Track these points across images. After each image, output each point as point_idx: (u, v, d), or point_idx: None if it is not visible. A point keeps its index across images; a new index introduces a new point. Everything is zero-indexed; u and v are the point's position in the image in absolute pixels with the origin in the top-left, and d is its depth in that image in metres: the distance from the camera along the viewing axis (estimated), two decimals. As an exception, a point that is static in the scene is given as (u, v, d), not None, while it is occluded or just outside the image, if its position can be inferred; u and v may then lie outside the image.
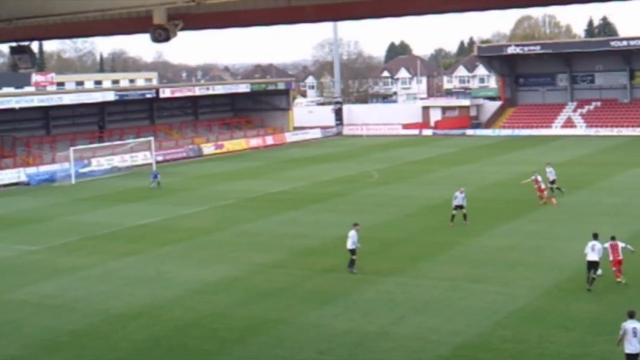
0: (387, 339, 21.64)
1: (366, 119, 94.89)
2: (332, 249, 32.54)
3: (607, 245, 25.77)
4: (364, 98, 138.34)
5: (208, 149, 75.86)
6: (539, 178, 41.17)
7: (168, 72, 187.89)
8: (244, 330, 22.77)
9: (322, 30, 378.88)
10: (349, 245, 28.85)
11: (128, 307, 25.53)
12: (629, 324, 17.93)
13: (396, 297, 25.42)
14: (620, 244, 25.96)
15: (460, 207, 36.29)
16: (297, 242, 34.13)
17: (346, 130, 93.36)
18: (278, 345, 21.65)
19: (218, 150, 75.98)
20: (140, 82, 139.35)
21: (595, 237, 25.96)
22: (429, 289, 26.05)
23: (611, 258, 25.48)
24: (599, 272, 25.49)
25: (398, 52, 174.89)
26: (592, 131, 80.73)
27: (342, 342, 21.52)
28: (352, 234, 28.98)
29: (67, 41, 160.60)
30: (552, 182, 42.51)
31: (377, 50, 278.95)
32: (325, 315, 23.82)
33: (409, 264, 29.57)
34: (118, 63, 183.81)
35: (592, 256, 25.44)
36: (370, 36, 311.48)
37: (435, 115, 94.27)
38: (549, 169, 43.08)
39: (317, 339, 21.84)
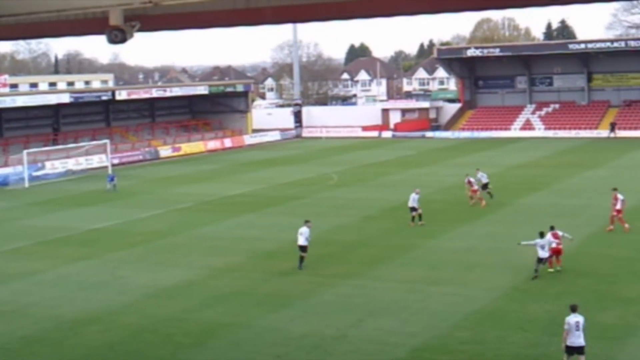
0: (345, 342, 21.52)
1: (325, 121, 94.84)
2: (290, 252, 32.24)
3: (549, 236, 26.90)
4: (324, 100, 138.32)
5: (165, 151, 75.13)
6: (472, 180, 41.57)
7: (124, 74, 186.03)
8: (200, 335, 22.52)
9: (281, 32, 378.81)
10: (301, 241, 29.00)
11: (81, 312, 25.08)
12: (572, 318, 18.39)
13: (354, 300, 25.30)
14: (559, 233, 27.26)
15: (413, 209, 36.32)
16: (254, 246, 33.85)
17: (305, 133, 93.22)
18: (234, 349, 21.48)
19: (175, 153, 75.29)
20: (96, 84, 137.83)
21: (542, 235, 27.29)
22: (387, 291, 25.96)
23: (553, 246, 26.87)
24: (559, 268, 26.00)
25: (358, 54, 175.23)
26: (551, 133, 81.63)
27: (300, 346, 21.37)
28: (304, 230, 29.17)
29: (21, 42, 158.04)
30: (485, 186, 42.62)
31: (336, 53, 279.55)
32: (282, 319, 23.63)
33: (367, 266, 29.47)
34: (73, 65, 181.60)
35: (543, 254, 26.85)
36: (330, 38, 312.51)
37: (395, 118, 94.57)
38: (479, 174, 43.01)
39: (274, 343, 21.68)
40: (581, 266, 28.25)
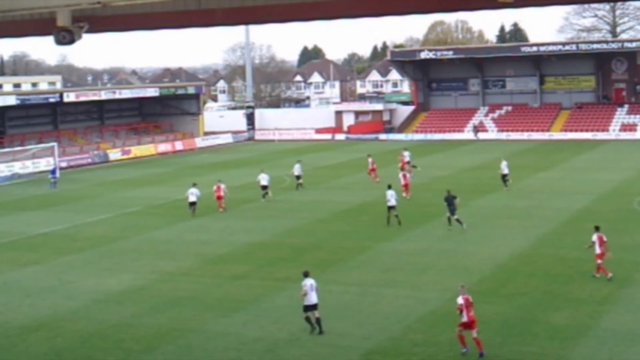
0: (298, 345, 21.35)
1: (278, 123, 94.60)
2: (242, 256, 32.06)
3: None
4: (277, 102, 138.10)
5: (114, 154, 74.12)
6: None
7: (73, 76, 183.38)
8: (151, 340, 22.21)
9: (233, 34, 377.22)
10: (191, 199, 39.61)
11: (28, 319, 24.59)
12: (307, 281, 21.88)
13: (307, 303, 25.07)
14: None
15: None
16: (205, 250, 33.45)
17: (258, 135, 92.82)
18: (186, 354, 21.22)
19: (125, 156, 74.31)
20: (44, 86, 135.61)
21: (390, 187, 36.82)
22: (340, 294, 25.81)
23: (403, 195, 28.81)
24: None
25: (311, 57, 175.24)
26: (503, 135, 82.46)
27: (252, 350, 21.17)
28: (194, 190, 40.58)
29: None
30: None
31: (289, 55, 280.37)
32: (234, 323, 23.38)
33: (319, 269, 29.15)
34: (20, 66, 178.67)
35: (392, 202, 36.23)
36: (283, 40, 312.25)
37: (349, 120, 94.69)
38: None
39: (225, 347, 21.45)
40: (533, 267, 28.46)
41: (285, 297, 25.74)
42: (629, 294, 24.92)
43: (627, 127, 79.83)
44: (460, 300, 20.21)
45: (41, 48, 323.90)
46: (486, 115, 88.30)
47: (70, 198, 50.15)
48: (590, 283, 26.17)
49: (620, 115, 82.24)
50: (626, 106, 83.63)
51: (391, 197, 36.91)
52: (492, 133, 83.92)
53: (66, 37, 16.75)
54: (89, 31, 17.49)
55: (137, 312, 24.87)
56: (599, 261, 26.61)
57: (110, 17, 17.58)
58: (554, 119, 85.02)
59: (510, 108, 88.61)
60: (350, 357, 20.46)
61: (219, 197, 42.58)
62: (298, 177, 49.11)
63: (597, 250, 26.60)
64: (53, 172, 51.86)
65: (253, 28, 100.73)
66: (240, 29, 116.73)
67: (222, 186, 42.97)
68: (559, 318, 22.68)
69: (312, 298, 21.82)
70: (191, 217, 41.05)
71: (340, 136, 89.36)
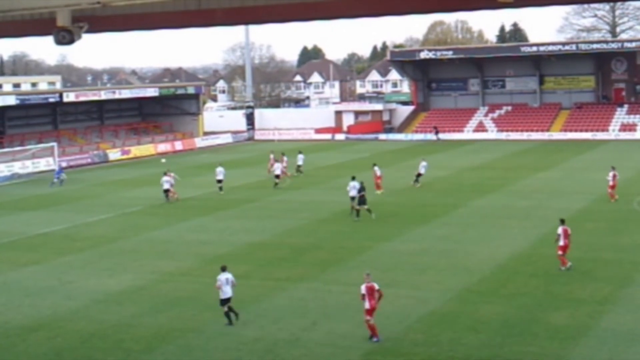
0: (298, 345, 21.34)
1: (278, 123, 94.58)
2: (242, 256, 32.03)
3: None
4: (276, 102, 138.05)
5: (114, 154, 74.09)
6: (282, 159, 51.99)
7: (72, 76, 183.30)
8: (151, 340, 22.18)
9: (233, 34, 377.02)
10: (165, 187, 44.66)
11: (28, 319, 24.54)
12: (223, 276, 22.86)
13: (307, 303, 25.10)
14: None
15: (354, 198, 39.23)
16: (205, 249, 33.43)
17: (258, 135, 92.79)
18: (186, 354, 21.20)
19: (125, 156, 74.27)
20: (43, 86, 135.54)
21: (354, 178, 39.19)
22: (340, 294, 25.79)
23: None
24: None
25: (311, 57, 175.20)
26: (503, 135, 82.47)
27: (252, 350, 21.15)
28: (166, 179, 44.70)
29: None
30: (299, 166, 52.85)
31: (289, 55, 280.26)
32: (234, 323, 23.28)
33: (320, 269, 29.28)
34: (19, 66, 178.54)
35: (353, 192, 37.88)
36: (282, 40, 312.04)
37: (348, 120, 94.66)
38: (299, 155, 54.30)
39: (226, 348, 21.43)
40: (533, 267, 28.44)
41: (285, 297, 25.74)
42: (629, 294, 24.92)
43: (627, 127, 79.84)
44: (363, 289, 21.21)
45: (41, 48, 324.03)
46: (486, 115, 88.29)
47: (70, 198, 50.11)
48: (590, 283, 26.17)
49: (620, 115, 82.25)
50: (626, 106, 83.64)
51: (352, 189, 39.22)
52: (491, 133, 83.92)
53: (66, 37, 16.74)
54: (89, 31, 17.47)
55: (137, 312, 24.84)
56: (560, 252, 27.52)
57: (110, 17, 17.56)
58: (554, 119, 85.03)
59: (510, 108, 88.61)
60: (351, 357, 20.44)
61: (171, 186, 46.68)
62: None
63: (561, 242, 27.50)
64: (59, 172, 52.43)
65: (253, 28, 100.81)
66: (240, 29, 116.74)
67: (172, 175, 47.33)
68: (559, 318, 22.67)
69: (227, 292, 22.77)
70: (190, 217, 41.06)
71: (340, 136, 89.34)
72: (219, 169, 49.69)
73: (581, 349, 20.40)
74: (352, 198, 39.34)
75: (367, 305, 21.14)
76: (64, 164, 64.67)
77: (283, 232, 36.59)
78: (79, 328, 23.47)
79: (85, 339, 22.55)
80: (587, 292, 25.21)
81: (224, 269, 23.16)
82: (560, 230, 27.67)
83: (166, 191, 45.89)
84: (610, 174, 41.80)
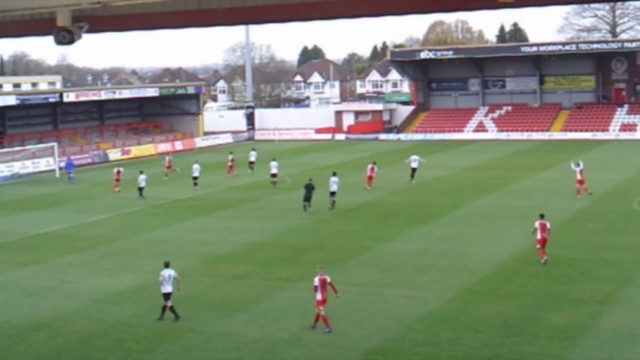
0: (298, 345, 21.34)
1: (278, 123, 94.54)
2: (243, 256, 32.04)
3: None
4: (276, 102, 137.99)
5: (114, 154, 74.05)
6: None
7: (72, 76, 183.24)
8: (151, 340, 22.18)
9: (233, 34, 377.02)
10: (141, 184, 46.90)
11: (28, 318, 24.55)
12: (166, 272, 23.54)
13: (307, 303, 24.98)
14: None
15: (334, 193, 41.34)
16: (205, 249, 33.42)
17: (258, 135, 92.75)
18: (186, 354, 21.19)
19: (125, 156, 74.22)
20: (43, 86, 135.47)
21: (334, 174, 41.67)
22: (341, 294, 25.62)
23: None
24: None
25: (311, 57, 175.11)
26: (503, 135, 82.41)
27: (252, 349, 21.15)
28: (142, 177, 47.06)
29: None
30: (274, 175, 50.59)
31: (289, 55, 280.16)
32: (234, 323, 23.36)
33: (320, 269, 29.22)
34: (20, 66, 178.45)
35: (334, 187, 41.11)
36: (283, 40, 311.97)
37: (348, 120, 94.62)
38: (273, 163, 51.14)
39: (226, 347, 21.42)
40: (533, 267, 28.44)
41: (285, 297, 25.74)
42: (630, 294, 24.91)
43: (627, 127, 79.82)
44: (316, 281, 22.17)
45: (41, 48, 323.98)
46: (486, 115, 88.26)
47: (70, 198, 50.13)
48: (590, 283, 26.17)
49: (620, 115, 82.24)
50: (626, 106, 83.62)
51: (333, 184, 41.37)
52: (492, 133, 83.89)
53: (66, 37, 16.73)
54: (89, 31, 17.46)
55: (137, 312, 24.83)
56: (538, 246, 28.47)
57: (110, 17, 17.55)
58: (554, 119, 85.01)
59: (510, 108, 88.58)
60: (351, 357, 20.44)
61: (117, 180, 50.56)
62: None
63: (538, 236, 28.47)
64: (69, 166, 53.91)
65: (253, 28, 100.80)
66: (240, 29, 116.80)
67: (122, 170, 51.46)
68: (559, 318, 22.67)
69: (167, 288, 23.48)
70: (190, 217, 41.07)
71: (340, 136, 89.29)
72: (195, 166, 51.40)
73: (581, 349, 20.40)
74: (332, 193, 41.37)
75: (319, 296, 22.05)
76: (63, 164, 64.65)
77: (283, 232, 36.58)
78: (79, 328, 23.48)
79: (86, 338, 22.55)
80: (587, 292, 25.21)
81: (167, 265, 23.86)
82: (537, 224, 28.70)
83: (141, 189, 47.33)
84: (577, 169, 42.73)
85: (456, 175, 54.53)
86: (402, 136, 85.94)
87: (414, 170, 50.62)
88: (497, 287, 26.10)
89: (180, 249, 33.84)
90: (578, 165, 43.34)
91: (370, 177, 48.23)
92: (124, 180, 51.42)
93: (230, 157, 58.09)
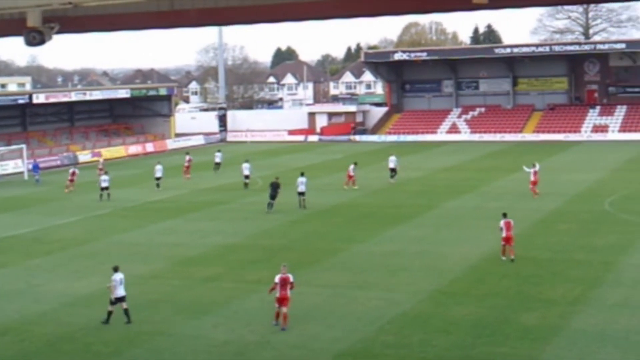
0: (269, 348, 21.16)
1: (251, 125, 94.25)
2: (214, 258, 31.79)
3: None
4: (249, 104, 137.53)
5: (84, 156, 73.36)
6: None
7: (42, 77, 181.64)
8: (119, 343, 21.91)
9: (206, 35, 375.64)
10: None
11: (-6, 323, 24.10)
12: (117, 276, 23.40)
13: (278, 305, 24.86)
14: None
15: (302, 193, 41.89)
16: (175, 252, 33.10)
17: (230, 137, 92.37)
18: (155, 357, 21.02)
19: (95, 158, 73.35)
20: (12, 87, 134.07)
21: (302, 174, 42.31)
22: (311, 296, 25.62)
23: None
24: None
25: (284, 58, 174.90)
26: (476, 137, 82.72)
27: (222, 353, 20.96)
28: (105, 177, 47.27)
29: None
30: (247, 177, 50.79)
31: (263, 56, 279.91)
32: (204, 326, 23.12)
33: (291, 271, 28.69)
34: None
35: (301, 188, 41.45)
36: (256, 41, 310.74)
37: (322, 121, 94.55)
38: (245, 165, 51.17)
39: (195, 350, 21.22)
40: (504, 268, 28.47)
41: (256, 300, 25.49)
42: (600, 295, 24.98)
43: (599, 129, 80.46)
44: (277, 279, 22.36)
45: (10, 49, 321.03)
46: (459, 116, 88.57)
47: (39, 200, 49.53)
48: (561, 284, 26.22)
49: (592, 117, 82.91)
50: (598, 108, 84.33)
51: (301, 184, 41.91)
52: (465, 135, 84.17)
53: (36, 37, 16.51)
54: (60, 32, 17.22)
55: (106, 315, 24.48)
56: (503, 243, 29.28)
57: (81, 18, 17.33)
58: (527, 120, 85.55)
59: (483, 109, 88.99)
60: (322, 359, 20.31)
61: (71, 180, 51.42)
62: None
63: (504, 234, 29.14)
64: (34, 169, 53.70)
65: (226, 29, 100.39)
66: (213, 30, 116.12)
67: (77, 171, 52.97)
68: (531, 318, 22.67)
69: (120, 291, 23.33)
70: (161, 219, 40.72)
71: (313, 138, 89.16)
72: (158, 167, 52.09)
73: (552, 350, 20.39)
74: (300, 194, 42.00)
75: (278, 294, 22.26)
76: (30, 167, 63.93)
77: (255, 233, 36.35)
78: (46, 331, 23.18)
79: (53, 342, 22.26)
80: (558, 292, 25.25)
81: (116, 269, 23.67)
82: (502, 223, 29.30)
83: (104, 189, 47.40)
84: (532, 170, 43.80)
85: (430, 176, 54.62)
86: (375, 137, 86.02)
87: (392, 170, 50.74)
88: (469, 288, 26.07)
89: (151, 251, 33.51)
90: (534, 166, 44.14)
91: (350, 177, 48.65)
92: (85, 183, 51.08)
93: (187, 157, 57.85)
